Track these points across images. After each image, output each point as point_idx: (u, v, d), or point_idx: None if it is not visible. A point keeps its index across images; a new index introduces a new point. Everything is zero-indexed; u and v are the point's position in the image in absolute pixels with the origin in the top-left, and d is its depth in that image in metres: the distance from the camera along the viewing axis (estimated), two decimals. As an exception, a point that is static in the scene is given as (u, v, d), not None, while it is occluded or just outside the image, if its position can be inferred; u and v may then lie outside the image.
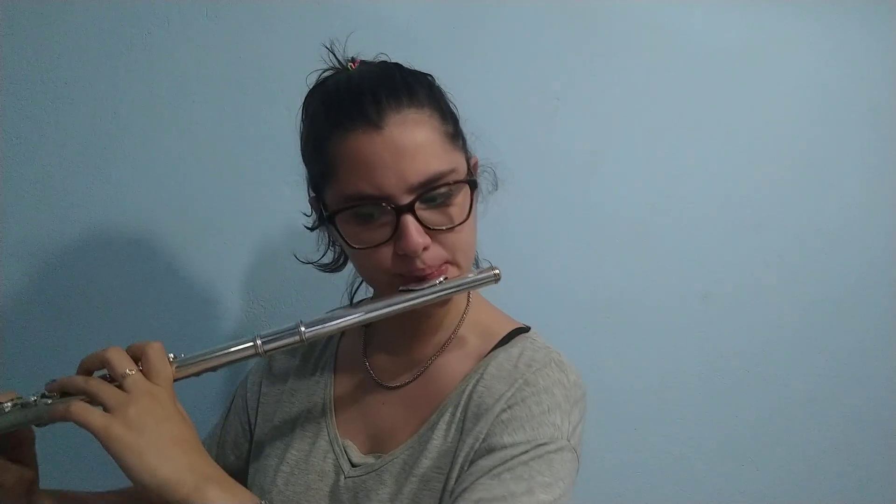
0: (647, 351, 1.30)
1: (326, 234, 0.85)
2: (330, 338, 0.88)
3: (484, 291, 0.78)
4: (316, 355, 0.88)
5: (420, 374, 0.78)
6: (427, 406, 0.75)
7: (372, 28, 1.14)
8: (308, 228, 0.83)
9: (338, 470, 0.76)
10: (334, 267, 0.85)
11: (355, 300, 0.88)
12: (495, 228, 1.20)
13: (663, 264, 1.29)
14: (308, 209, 0.80)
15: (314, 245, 0.86)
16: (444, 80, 0.79)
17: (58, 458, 1.06)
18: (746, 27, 1.29)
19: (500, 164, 0.85)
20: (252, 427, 0.88)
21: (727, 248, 1.32)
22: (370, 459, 0.75)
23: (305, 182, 0.78)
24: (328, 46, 0.76)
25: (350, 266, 0.86)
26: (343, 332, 0.88)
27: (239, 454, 0.90)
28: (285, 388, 0.86)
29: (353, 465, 0.75)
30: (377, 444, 0.77)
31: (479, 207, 0.78)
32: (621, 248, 1.27)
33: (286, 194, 1.10)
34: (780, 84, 1.31)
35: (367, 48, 0.82)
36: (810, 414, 1.37)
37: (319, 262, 0.84)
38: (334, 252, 0.85)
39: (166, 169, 1.09)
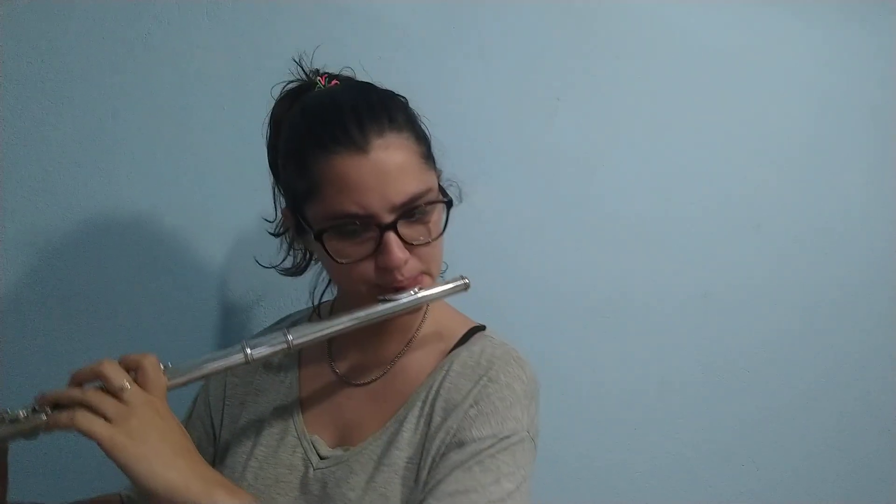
0: (647, 351, 1.30)
1: (287, 240, 0.88)
2: None
3: (480, 291, 0.80)
4: (277, 360, 0.89)
5: (386, 372, 0.82)
6: (393, 400, 0.80)
7: (371, 28, 1.14)
8: (272, 234, 0.87)
9: (306, 463, 0.79)
10: (295, 271, 0.89)
11: (316, 300, 0.90)
12: (495, 228, 1.20)
13: (663, 264, 1.29)
14: (270, 216, 0.85)
15: (277, 248, 0.88)
16: (443, 81, 0.80)
17: (29, 469, 1.05)
18: (746, 28, 1.29)
19: (464, 180, 0.87)
20: (216, 431, 0.89)
21: (727, 248, 1.32)
22: (338, 452, 0.79)
23: (272, 190, 0.81)
24: (297, 60, 0.81)
25: (311, 269, 0.90)
26: None
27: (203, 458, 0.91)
28: (250, 389, 0.88)
29: (322, 458, 0.79)
30: (344, 438, 0.80)
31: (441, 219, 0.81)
32: (621, 248, 1.27)
33: (269, 200, 1.10)
34: (780, 84, 1.31)
35: (366, 49, 0.82)
36: (810, 414, 1.38)
37: (281, 266, 0.89)
38: (294, 258, 0.89)
39: (166, 169, 1.09)
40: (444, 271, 0.86)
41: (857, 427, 1.40)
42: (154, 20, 1.07)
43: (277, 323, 0.97)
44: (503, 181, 1.20)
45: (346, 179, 0.69)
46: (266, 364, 0.90)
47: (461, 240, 0.81)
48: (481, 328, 0.85)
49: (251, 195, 1.12)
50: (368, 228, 0.71)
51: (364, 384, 0.83)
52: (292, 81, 0.81)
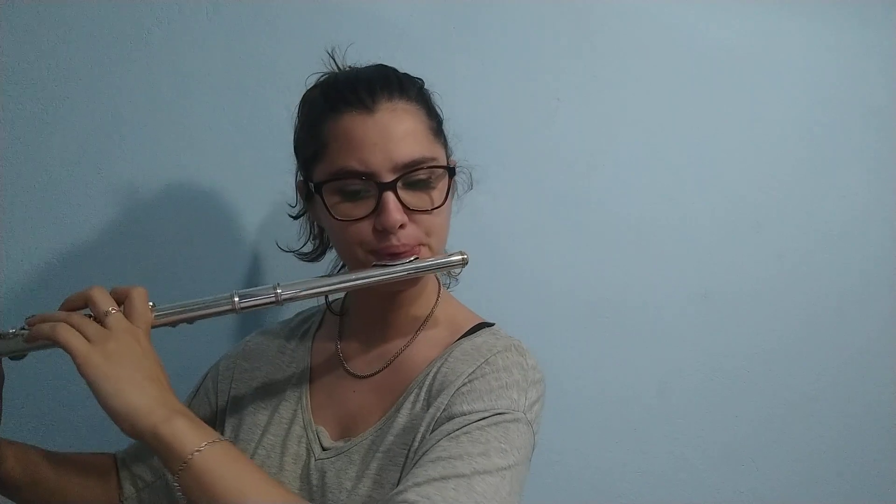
0: (648, 351, 1.30)
1: (308, 225, 0.89)
2: (306, 330, 0.92)
3: (480, 291, 0.79)
4: (291, 348, 0.90)
5: (388, 364, 0.82)
6: (394, 392, 0.79)
7: (371, 28, 1.14)
8: (292, 217, 0.87)
9: (309, 453, 0.79)
10: (314, 256, 0.90)
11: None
12: (495, 228, 1.20)
13: (663, 264, 1.29)
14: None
15: (297, 235, 0.89)
16: (443, 81, 0.80)
17: (22, 420, 1.04)
18: (746, 27, 1.29)
19: (477, 166, 0.89)
20: (217, 409, 0.90)
21: (727, 248, 1.32)
22: (339, 443, 0.79)
23: (294, 173, 0.82)
24: (329, 52, 0.82)
25: (329, 257, 0.90)
26: (319, 325, 0.92)
27: None
28: (260, 375, 0.89)
29: (324, 449, 0.79)
30: (347, 430, 0.80)
31: (453, 206, 0.82)
32: (621, 248, 1.27)
33: (286, 194, 1.10)
34: (781, 84, 1.31)
35: (367, 49, 0.82)
36: (810, 414, 1.38)
37: (300, 251, 0.90)
38: (314, 244, 0.89)
39: (166, 169, 1.09)
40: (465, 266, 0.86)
41: (857, 427, 1.40)
42: (154, 20, 1.07)
43: (290, 319, 0.97)
44: (503, 181, 1.20)
45: (350, 136, 0.71)
46: (278, 351, 0.90)
47: (461, 240, 0.81)
48: (490, 324, 0.84)
49: (251, 194, 1.13)
50: (369, 189, 0.72)
51: (367, 377, 0.82)
52: (326, 74, 0.82)
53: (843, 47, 1.33)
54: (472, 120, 1.18)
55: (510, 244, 1.23)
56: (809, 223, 1.35)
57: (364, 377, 0.83)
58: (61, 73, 1.04)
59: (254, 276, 1.15)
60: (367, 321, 0.85)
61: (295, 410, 0.84)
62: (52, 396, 0.60)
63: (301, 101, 0.81)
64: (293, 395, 0.85)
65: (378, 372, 0.82)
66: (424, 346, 0.81)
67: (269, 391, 0.87)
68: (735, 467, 1.35)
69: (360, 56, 0.82)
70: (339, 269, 0.90)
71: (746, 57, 1.29)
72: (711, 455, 1.34)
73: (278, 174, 1.11)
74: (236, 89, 1.11)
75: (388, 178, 0.71)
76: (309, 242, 0.90)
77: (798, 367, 1.36)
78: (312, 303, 0.95)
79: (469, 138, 0.85)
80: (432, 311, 0.84)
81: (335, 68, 0.82)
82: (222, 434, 0.86)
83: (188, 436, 0.60)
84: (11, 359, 0.69)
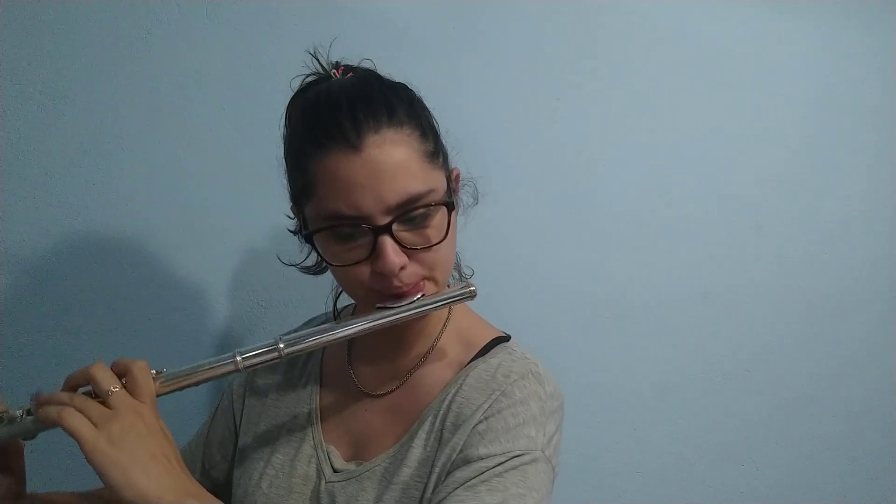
0: (647, 351, 1.30)
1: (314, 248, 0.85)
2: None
3: (479, 291, 0.78)
4: (300, 365, 0.89)
5: (402, 384, 0.79)
6: (408, 415, 0.76)
7: (371, 28, 1.14)
8: (291, 232, 0.84)
9: (320, 474, 0.77)
10: (316, 270, 0.86)
11: (339, 304, 0.89)
12: (495, 228, 1.20)
13: (663, 264, 1.29)
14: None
15: (299, 246, 0.86)
16: (443, 81, 0.80)
17: (43, 462, 1.05)
18: (746, 27, 1.29)
19: (481, 174, 0.85)
20: (237, 430, 0.89)
21: (727, 248, 1.32)
22: (351, 466, 0.76)
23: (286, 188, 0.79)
24: (312, 52, 0.76)
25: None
26: None
27: (225, 453, 0.91)
28: (268, 401, 0.87)
29: (335, 471, 0.77)
30: (359, 452, 0.78)
31: (459, 220, 0.78)
32: (621, 248, 1.27)
33: (286, 194, 1.10)
34: (780, 84, 1.31)
35: (367, 49, 0.82)
36: (810, 413, 1.38)
37: (302, 264, 0.86)
38: (318, 257, 0.86)
39: (166, 169, 1.09)
40: (471, 276, 0.85)
41: (857, 427, 1.40)
42: (154, 20, 1.07)
43: (304, 325, 0.95)
44: (503, 181, 1.20)
45: (337, 178, 0.66)
46: (289, 368, 0.88)
47: (460, 239, 0.81)
48: (505, 338, 0.80)
49: (251, 195, 1.13)
50: (363, 232, 0.68)
51: (380, 396, 0.80)
52: (310, 75, 0.76)
53: (842, 47, 1.32)
54: (471, 120, 1.18)
55: (509, 244, 1.23)
56: (809, 223, 1.34)
57: (377, 396, 0.80)
58: (61, 73, 1.04)
59: (254, 276, 1.15)
60: (378, 336, 0.80)
61: (305, 428, 0.82)
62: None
63: (286, 114, 0.76)
64: (303, 412, 0.83)
65: (391, 392, 0.79)
66: (438, 366, 0.78)
67: (279, 407, 0.86)
68: (735, 467, 1.35)
69: (361, 57, 0.82)
70: (339, 293, 0.88)
71: (746, 57, 1.29)
72: (711, 455, 1.34)
73: (278, 174, 1.11)
74: (236, 89, 1.11)
75: (383, 220, 0.66)
76: (311, 256, 0.86)
77: (798, 367, 1.36)
78: (320, 310, 0.94)
79: (468, 139, 0.84)
80: (445, 326, 0.80)
81: (319, 69, 0.76)
82: (235, 451, 0.86)
83: None
84: (24, 440, 0.69)
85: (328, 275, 0.87)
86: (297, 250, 0.84)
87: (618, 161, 1.26)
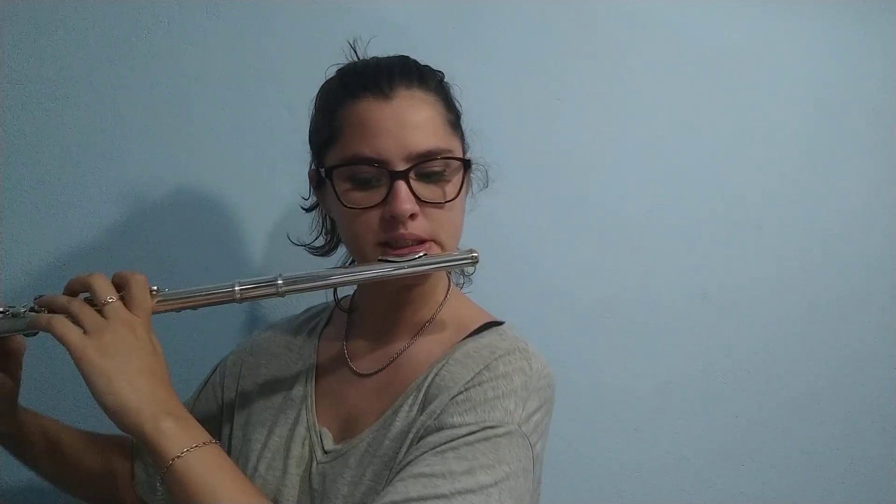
0: (647, 351, 1.30)
1: (320, 218, 0.88)
2: (313, 327, 0.91)
3: (479, 290, 0.78)
4: (299, 345, 0.89)
5: (391, 362, 0.80)
6: (393, 392, 0.76)
7: (371, 28, 1.13)
8: (304, 210, 0.86)
9: (312, 456, 0.78)
10: (325, 250, 0.88)
11: (339, 295, 0.90)
12: (495, 229, 1.20)
13: (663, 264, 1.29)
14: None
15: (308, 228, 0.88)
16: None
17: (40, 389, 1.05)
18: (746, 27, 1.29)
19: (492, 164, 0.88)
20: (223, 403, 0.89)
21: (727, 248, 1.32)
22: (339, 446, 0.77)
23: (309, 164, 0.81)
24: (351, 43, 0.81)
25: (340, 253, 0.88)
26: (327, 322, 0.90)
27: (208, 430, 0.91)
28: (267, 373, 0.88)
29: (326, 453, 0.77)
30: (347, 431, 0.78)
31: (468, 204, 0.81)
32: (621, 248, 1.27)
33: (286, 194, 1.10)
34: (781, 84, 1.31)
35: (367, 48, 0.82)
36: (810, 414, 1.38)
37: (311, 244, 0.88)
38: (325, 238, 0.88)
39: (166, 169, 1.09)
40: (476, 265, 0.85)
41: (857, 427, 1.40)
42: (154, 20, 1.07)
43: (303, 313, 0.96)
44: (502, 181, 1.20)
45: (365, 122, 0.70)
46: (285, 347, 0.89)
47: (461, 238, 0.81)
48: (499, 323, 0.80)
49: (251, 194, 1.13)
50: (381, 177, 0.70)
51: (370, 375, 0.80)
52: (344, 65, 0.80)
53: (843, 47, 1.33)
54: (471, 120, 1.18)
55: (509, 244, 1.23)
56: (809, 223, 1.35)
57: (366, 376, 0.81)
58: (61, 73, 1.04)
59: (254, 276, 1.15)
60: (375, 319, 0.83)
61: (300, 410, 0.82)
62: (71, 372, 0.61)
63: (319, 91, 0.80)
64: (298, 394, 0.84)
65: (380, 371, 0.80)
66: (428, 346, 0.78)
67: (275, 389, 0.86)
68: (735, 467, 1.35)
69: (361, 56, 0.82)
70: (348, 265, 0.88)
71: (746, 57, 1.29)
72: (711, 455, 1.34)
73: (278, 174, 1.12)
74: (236, 89, 1.11)
75: (401, 166, 0.69)
76: (321, 237, 0.89)
77: (798, 366, 1.36)
78: (321, 297, 0.95)
79: (468, 139, 0.85)
80: (439, 310, 0.81)
81: (355, 58, 0.80)
82: (231, 431, 0.87)
83: (173, 438, 0.60)
84: (25, 335, 0.72)
85: (334, 259, 0.87)
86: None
87: (617, 161, 1.26)
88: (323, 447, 0.78)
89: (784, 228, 1.34)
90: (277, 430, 0.82)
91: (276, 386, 0.86)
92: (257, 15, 1.11)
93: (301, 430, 0.80)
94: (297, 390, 0.84)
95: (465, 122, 0.81)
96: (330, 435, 0.79)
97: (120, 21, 1.06)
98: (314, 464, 0.77)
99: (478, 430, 0.65)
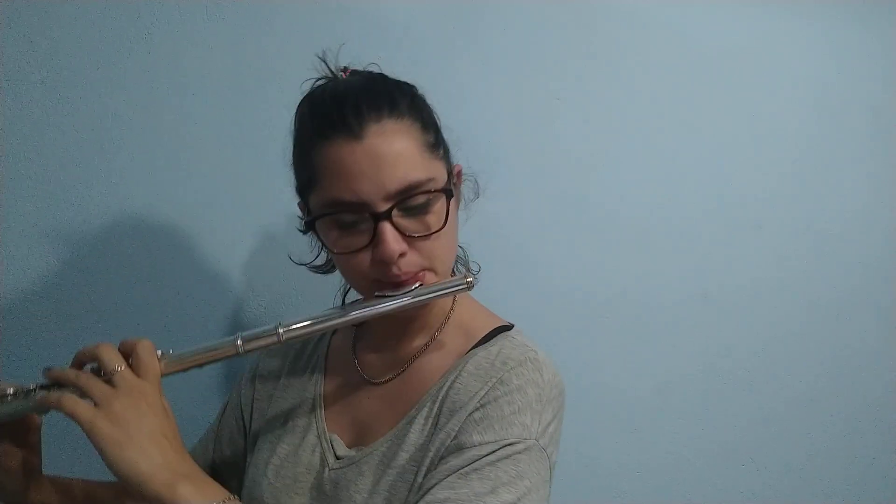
0: (647, 351, 1.30)
1: (318, 238, 0.86)
2: (322, 336, 0.91)
3: (479, 291, 0.79)
4: (308, 353, 0.90)
5: (403, 371, 0.80)
6: (407, 401, 0.77)
7: (371, 28, 1.14)
8: (301, 231, 0.85)
9: (323, 463, 0.78)
10: (326, 269, 0.88)
11: (348, 300, 0.90)
12: (495, 228, 1.20)
13: (663, 264, 1.29)
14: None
15: (309, 246, 0.87)
16: (444, 81, 0.80)
17: (61, 446, 1.05)
18: (746, 28, 1.29)
19: (490, 165, 0.87)
20: (246, 424, 0.90)
21: (727, 248, 1.32)
22: (352, 452, 0.77)
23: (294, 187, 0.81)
24: (321, 56, 0.79)
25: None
26: (334, 331, 0.90)
27: (235, 449, 0.92)
28: (278, 385, 0.89)
29: (338, 458, 0.78)
30: (359, 438, 0.79)
31: (461, 215, 0.80)
32: (621, 248, 1.28)
33: (286, 195, 1.09)
34: (781, 84, 1.31)
35: (367, 49, 0.82)
36: (810, 414, 1.38)
37: (312, 263, 0.88)
38: (326, 254, 0.87)
39: (166, 169, 1.09)
40: (478, 272, 0.86)
41: (857, 427, 1.40)
42: (154, 20, 1.07)
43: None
44: (503, 181, 1.20)
45: (339, 165, 0.68)
46: (296, 357, 0.90)
47: (462, 238, 0.81)
48: (508, 328, 0.81)
49: (251, 195, 1.13)
50: (363, 219, 0.69)
51: (381, 383, 0.81)
52: (320, 79, 0.79)
53: (843, 47, 1.33)
54: (472, 120, 1.18)
55: (509, 244, 1.23)
56: (809, 223, 1.35)
57: (378, 383, 0.81)
58: (61, 73, 1.04)
59: (254, 276, 1.15)
60: (383, 325, 0.82)
61: (309, 417, 0.83)
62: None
63: (295, 114, 0.78)
64: (308, 402, 0.84)
65: (392, 379, 0.80)
66: (439, 354, 0.79)
67: (286, 396, 0.87)
68: (735, 467, 1.36)
69: (361, 57, 0.82)
70: (348, 290, 0.88)
71: (746, 57, 1.29)
72: (711, 454, 1.34)
73: (278, 174, 1.11)
74: (236, 89, 1.11)
75: (382, 207, 0.68)
76: (321, 254, 0.88)
77: (798, 367, 1.36)
78: (321, 306, 0.95)
79: (469, 139, 0.85)
80: (448, 316, 0.81)
81: (328, 72, 0.79)
82: (248, 443, 0.88)
83: (191, 502, 0.60)
84: (38, 414, 0.72)
85: (336, 275, 0.88)
86: (293, 240, 0.85)
87: (618, 161, 1.26)
88: (335, 453, 0.78)
89: (784, 228, 1.34)
90: (286, 438, 0.82)
91: (286, 395, 0.87)
92: (257, 15, 1.11)
93: (311, 438, 0.81)
94: (307, 399, 0.85)
95: (453, 125, 0.79)
96: (341, 441, 0.79)
97: (120, 21, 1.06)
98: (326, 470, 0.77)
99: (498, 449, 0.67)
